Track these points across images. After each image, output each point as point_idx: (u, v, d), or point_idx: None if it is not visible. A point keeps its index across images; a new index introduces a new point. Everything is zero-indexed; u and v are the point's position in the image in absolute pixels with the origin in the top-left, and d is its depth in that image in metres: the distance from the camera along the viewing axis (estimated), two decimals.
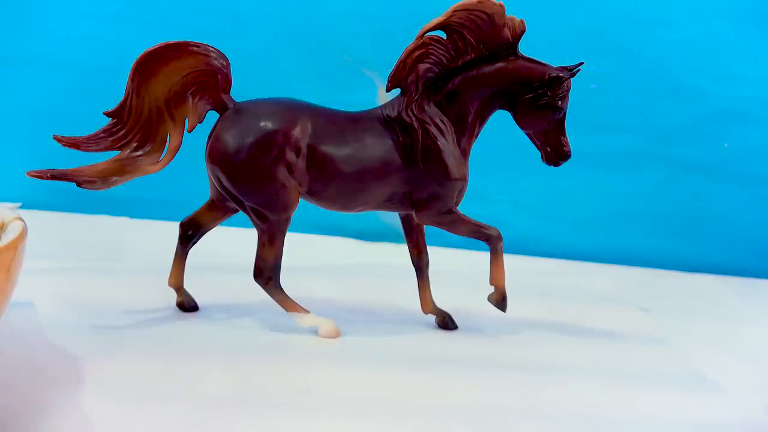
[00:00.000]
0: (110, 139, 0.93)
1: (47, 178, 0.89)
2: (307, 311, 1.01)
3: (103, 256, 1.32)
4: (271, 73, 1.62)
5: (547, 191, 1.67)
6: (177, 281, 1.05)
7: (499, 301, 1.04)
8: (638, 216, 1.68)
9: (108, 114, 0.93)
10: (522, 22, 0.99)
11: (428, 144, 0.98)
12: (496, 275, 1.04)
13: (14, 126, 1.68)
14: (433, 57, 0.98)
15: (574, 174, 1.63)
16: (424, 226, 1.08)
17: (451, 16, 0.97)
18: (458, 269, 1.32)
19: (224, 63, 0.96)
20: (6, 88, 1.69)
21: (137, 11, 1.64)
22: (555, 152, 1.03)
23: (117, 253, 1.36)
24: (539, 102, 0.99)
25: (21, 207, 1.68)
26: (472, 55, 0.99)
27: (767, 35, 1.61)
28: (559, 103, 1.00)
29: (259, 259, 0.98)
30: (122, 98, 0.93)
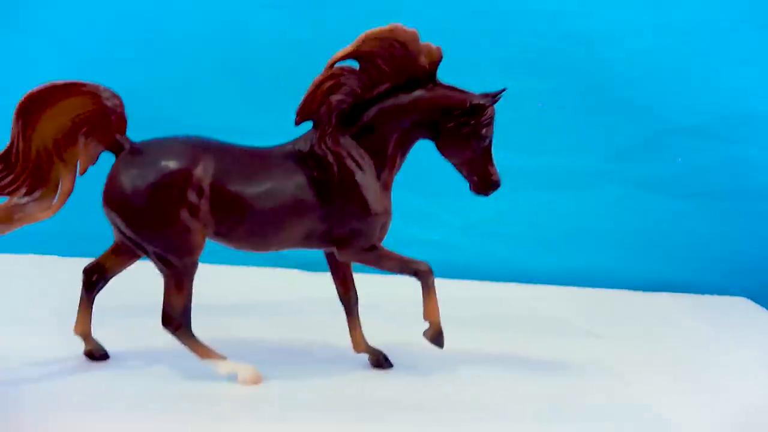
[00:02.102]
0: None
1: None
2: (223, 357, 0.93)
3: (15, 301, 1.24)
4: (192, 100, 1.55)
5: (498, 213, 1.61)
6: (84, 329, 0.97)
7: (435, 337, 0.97)
8: (592, 235, 1.63)
9: None
10: (439, 48, 0.93)
11: (345, 178, 0.92)
12: (430, 311, 0.97)
13: None
14: (346, 87, 0.92)
15: (525, 195, 1.60)
16: (350, 265, 1.02)
17: (361, 44, 0.90)
18: (392, 299, 1.25)
19: (117, 102, 0.90)
20: None
21: (41, 43, 1.57)
22: (482, 182, 0.97)
23: (31, 297, 1.27)
24: (462, 131, 0.94)
25: None
26: (388, 85, 0.93)
27: (716, 49, 1.59)
28: (483, 131, 0.94)
29: (166, 305, 0.90)
30: (8, 142, 0.86)
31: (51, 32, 1.58)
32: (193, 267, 0.91)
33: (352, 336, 1.02)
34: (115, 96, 0.90)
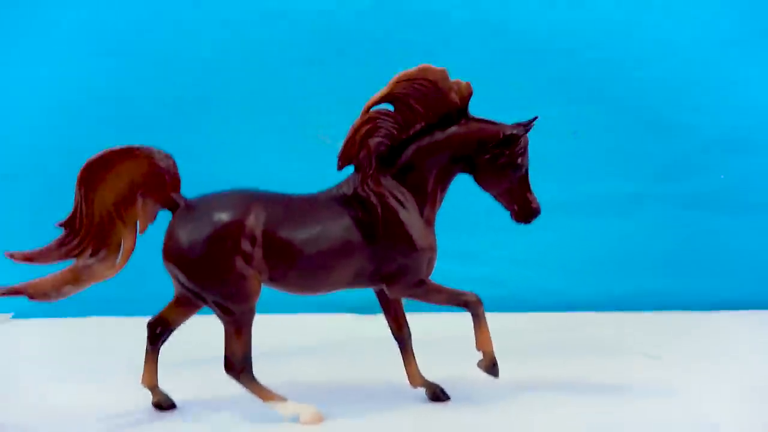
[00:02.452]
0: (64, 249, 0.92)
1: (2, 295, 0.88)
2: (284, 399, 0.96)
3: (85, 361, 1.28)
4: (244, 157, 1.62)
5: (544, 244, 1.63)
6: (151, 381, 1.01)
7: (489, 367, 0.98)
8: (641, 258, 1.62)
9: (60, 225, 0.93)
10: (468, 84, 0.97)
11: (389, 217, 0.96)
12: (482, 341, 0.98)
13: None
14: (383, 130, 0.96)
15: (570, 224, 1.61)
16: (402, 301, 1.04)
17: (394, 87, 0.95)
18: (445, 335, 1.27)
19: (170, 163, 0.96)
20: None
21: (96, 111, 1.65)
22: (522, 210, 1.00)
23: (100, 355, 1.32)
24: (498, 162, 0.97)
25: (13, 317, 1.67)
26: (423, 124, 0.97)
27: (745, 61, 1.59)
28: (519, 160, 0.97)
29: (227, 351, 0.94)
30: (72, 208, 0.93)
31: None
32: (251, 313, 0.94)
33: (407, 371, 1.04)
34: (168, 157, 0.95)
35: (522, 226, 1.55)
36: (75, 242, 0.92)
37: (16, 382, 1.15)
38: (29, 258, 0.90)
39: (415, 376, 1.04)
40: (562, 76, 1.60)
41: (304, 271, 0.95)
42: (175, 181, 0.96)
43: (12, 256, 0.89)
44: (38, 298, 0.90)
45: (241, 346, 0.93)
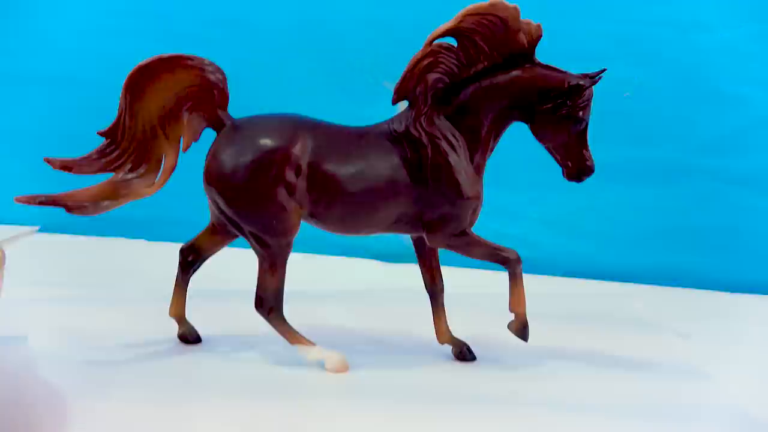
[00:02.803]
0: (103, 160, 0.89)
1: (36, 203, 0.85)
2: (312, 344, 0.94)
3: (110, 283, 1.28)
4: (284, 84, 1.58)
5: (579, 208, 1.59)
6: (178, 311, 1.00)
7: (520, 329, 0.96)
8: (677, 232, 1.58)
9: (101, 134, 0.89)
10: (539, 26, 0.91)
11: (439, 161, 0.91)
12: (516, 302, 0.95)
13: (27, 148, 1.67)
14: (443, 66, 0.91)
15: (607, 189, 1.56)
16: (438, 249, 1.00)
17: (461, 21, 0.89)
18: (477, 292, 1.24)
19: (220, 77, 0.91)
20: (12, 108, 1.68)
21: (140, 23, 1.62)
22: (576, 167, 0.95)
23: (125, 279, 1.32)
24: (559, 113, 0.92)
25: (39, 230, 1.67)
26: (486, 64, 0.92)
27: None
28: (580, 113, 0.92)
29: (260, 287, 0.92)
30: (115, 117, 0.89)
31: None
32: (288, 248, 0.92)
33: (436, 326, 1.02)
34: (218, 70, 0.91)
35: (558, 188, 1.53)
36: (115, 154, 0.89)
37: (39, 299, 1.14)
38: (67, 166, 0.88)
39: (443, 332, 1.02)
40: (621, 34, 1.53)
41: (346, 207, 0.92)
42: (223, 98, 0.92)
43: (50, 162, 0.87)
44: (76, 210, 0.88)
45: (274, 282, 0.92)
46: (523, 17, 0.91)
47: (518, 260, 0.95)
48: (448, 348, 1.02)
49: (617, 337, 1.17)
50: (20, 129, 1.66)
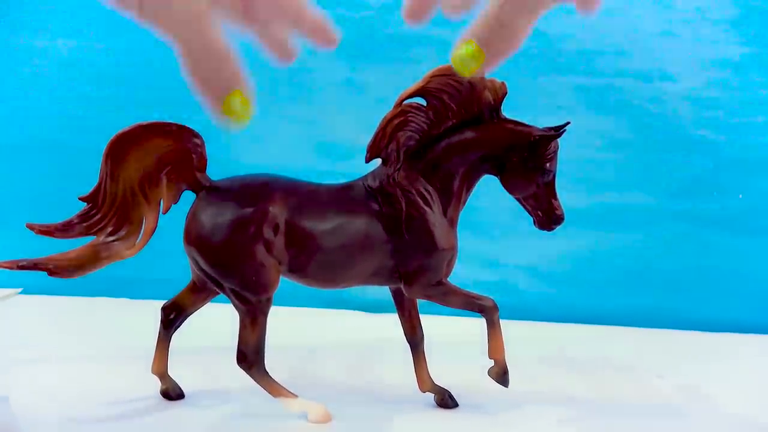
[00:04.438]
0: (84, 224, 0.91)
1: (16, 268, 0.87)
2: (294, 395, 0.95)
3: (92, 341, 1.28)
4: (264, 144, 1.61)
5: (557, 254, 1.62)
6: (160, 368, 1.00)
7: (500, 375, 0.98)
8: (653, 275, 1.60)
9: (82, 199, 0.91)
10: (503, 83, 0.95)
11: (413, 214, 0.94)
12: (495, 348, 0.97)
13: (12, 211, 1.68)
14: (414, 124, 0.95)
15: (584, 235, 1.60)
16: (417, 303, 1.03)
17: (429, 82, 0.93)
18: (456, 339, 1.25)
19: (198, 141, 0.94)
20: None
21: (120, 90, 1.65)
22: (546, 216, 0.97)
23: (108, 337, 1.32)
24: (527, 165, 0.94)
25: (21, 292, 1.67)
26: (454, 120, 0.96)
27: None
28: (547, 165, 0.95)
29: (241, 342, 0.94)
30: (96, 183, 0.91)
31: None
32: (268, 304, 0.93)
33: (417, 375, 1.03)
34: (196, 135, 0.94)
35: (535, 235, 1.55)
36: (96, 218, 0.91)
37: (21, 360, 1.15)
38: (48, 231, 0.89)
39: (425, 381, 1.03)
40: (588, 84, 1.59)
41: (324, 262, 0.94)
42: (201, 161, 0.95)
43: (32, 227, 0.88)
44: (58, 273, 0.89)
45: (255, 337, 0.93)
46: (489, 75, 0.94)
47: (495, 308, 0.97)
48: (430, 396, 1.03)
49: (596, 380, 1.18)
50: (16, 195, 1.68)
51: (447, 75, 0.93)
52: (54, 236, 0.89)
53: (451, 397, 1.03)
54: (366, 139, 0.97)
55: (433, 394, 1.03)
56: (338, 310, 1.61)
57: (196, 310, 1.01)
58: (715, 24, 1.57)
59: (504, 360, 0.98)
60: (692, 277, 1.60)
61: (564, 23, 1.57)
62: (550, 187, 0.97)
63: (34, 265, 0.88)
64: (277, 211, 0.92)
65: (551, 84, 1.58)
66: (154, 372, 1.00)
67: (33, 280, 1.64)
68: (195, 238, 0.92)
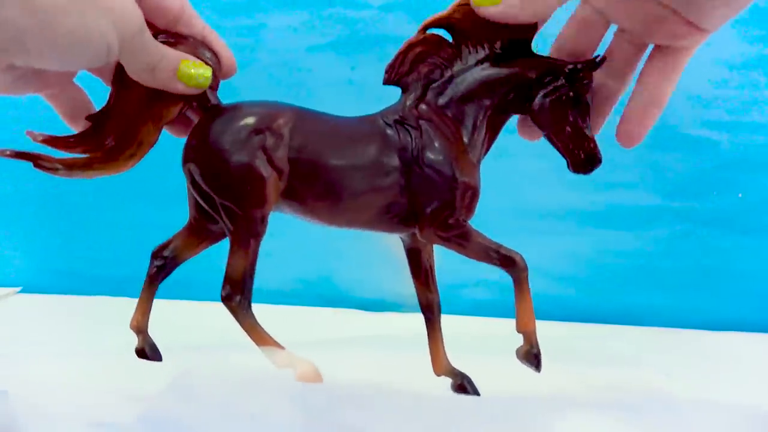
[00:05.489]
0: (88, 142, 0.85)
1: (6, 156, 0.82)
2: (281, 346, 0.87)
3: (92, 338, 1.28)
4: None
5: (558, 253, 1.62)
6: (141, 323, 0.93)
7: (529, 355, 0.89)
8: (653, 274, 1.61)
9: (88, 118, 0.86)
10: None
11: (430, 143, 0.87)
12: (524, 318, 0.88)
13: (13, 211, 1.68)
14: (437, 57, 0.89)
15: (584, 234, 1.60)
16: (434, 264, 0.96)
17: (455, 11, 0.88)
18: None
19: (214, 60, 0.88)
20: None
21: None
22: (582, 155, 0.87)
23: (107, 334, 1.31)
24: (561, 98, 0.87)
25: (20, 291, 1.67)
26: (481, 54, 0.89)
27: None
28: (583, 96, 0.87)
29: (228, 270, 0.85)
30: (105, 102, 0.87)
31: None
32: (261, 226, 0.86)
33: (432, 354, 0.97)
34: (208, 49, 0.88)
35: (536, 234, 1.56)
36: (100, 137, 0.85)
37: (21, 357, 1.14)
38: (49, 141, 0.84)
39: (440, 362, 0.96)
40: None
41: (329, 184, 0.86)
42: (215, 79, 0.88)
43: (31, 134, 0.83)
44: (42, 166, 0.83)
45: (243, 264, 0.85)
46: None
47: (524, 266, 0.90)
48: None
49: (598, 377, 1.18)
50: (17, 196, 1.67)
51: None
52: (53, 147, 0.84)
53: (470, 382, 0.95)
54: None
55: (450, 378, 0.96)
56: (338, 308, 1.61)
57: (189, 257, 0.93)
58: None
59: (534, 334, 0.88)
60: (692, 276, 1.60)
61: (563, 23, 1.57)
62: (587, 124, 0.88)
63: (20, 154, 0.82)
64: (283, 122, 0.86)
65: None
66: (132, 326, 0.93)
67: (33, 279, 1.68)
68: (193, 151, 0.86)
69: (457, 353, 1.14)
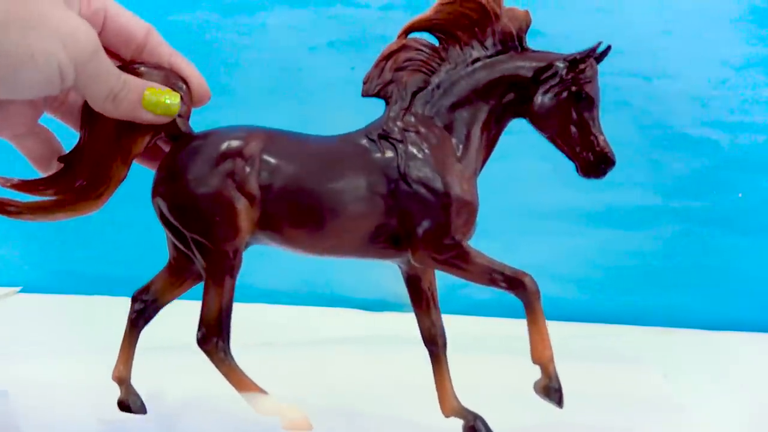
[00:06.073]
0: (59, 184, 0.82)
1: None
2: (264, 392, 0.79)
3: (91, 340, 1.27)
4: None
5: (557, 253, 1.62)
6: (123, 373, 0.88)
7: (547, 389, 0.78)
8: (653, 274, 1.61)
9: (61, 160, 0.82)
10: (527, 12, 0.82)
11: (417, 157, 0.79)
12: (538, 347, 0.78)
13: None
14: (420, 62, 0.81)
15: (584, 234, 1.60)
16: (437, 292, 0.87)
17: (437, 11, 0.80)
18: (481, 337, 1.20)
19: (183, 87, 0.83)
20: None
21: None
22: (593, 156, 0.79)
23: (106, 335, 1.31)
24: (559, 94, 0.79)
25: (21, 291, 1.67)
26: (471, 56, 0.81)
27: None
28: (585, 90, 0.79)
29: (204, 307, 0.79)
30: (75, 144, 0.83)
31: None
32: (235, 261, 0.79)
33: (439, 392, 0.86)
34: (179, 78, 0.83)
35: (537, 234, 1.55)
36: (71, 178, 0.81)
37: (20, 357, 1.15)
38: (20, 186, 0.81)
39: (448, 401, 0.85)
40: None
41: (307, 207, 0.79)
42: (185, 108, 0.83)
43: (2, 179, 0.81)
44: (8, 212, 0.80)
45: (217, 304, 0.78)
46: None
47: (535, 289, 0.80)
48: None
49: (599, 376, 1.18)
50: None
51: (455, 2, 0.80)
52: (21, 191, 0.81)
53: (484, 423, 0.85)
54: None
55: (461, 420, 0.85)
56: (338, 308, 1.61)
57: (171, 299, 0.88)
58: (715, 23, 1.57)
59: (552, 364, 0.77)
60: (692, 276, 1.60)
61: (564, 23, 1.57)
62: (592, 118, 0.80)
63: None
64: (254, 146, 0.80)
65: None
66: (114, 378, 0.88)
67: (33, 279, 1.68)
68: (159, 184, 0.81)
69: (457, 353, 1.15)
